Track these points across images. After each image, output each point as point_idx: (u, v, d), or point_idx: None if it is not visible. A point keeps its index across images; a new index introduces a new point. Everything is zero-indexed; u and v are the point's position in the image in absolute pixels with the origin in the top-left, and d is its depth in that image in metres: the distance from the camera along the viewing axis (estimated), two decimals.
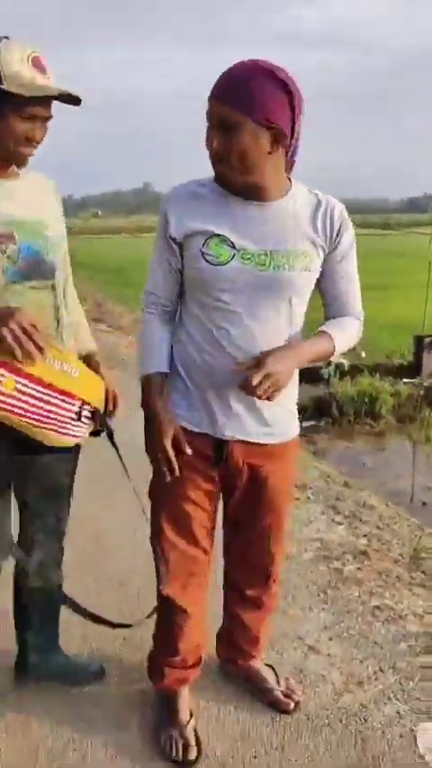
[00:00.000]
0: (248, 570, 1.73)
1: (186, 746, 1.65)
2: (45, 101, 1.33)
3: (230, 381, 1.40)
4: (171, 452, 1.46)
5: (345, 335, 1.50)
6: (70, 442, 1.46)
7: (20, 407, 1.29)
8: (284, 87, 1.25)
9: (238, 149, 1.27)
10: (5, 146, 1.35)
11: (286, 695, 1.82)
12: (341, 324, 1.51)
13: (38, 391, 1.31)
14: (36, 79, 1.29)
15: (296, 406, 1.60)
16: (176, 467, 1.48)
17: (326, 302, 1.55)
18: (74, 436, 1.45)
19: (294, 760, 1.67)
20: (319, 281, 1.48)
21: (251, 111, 1.24)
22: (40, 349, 1.25)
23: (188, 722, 1.71)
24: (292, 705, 1.80)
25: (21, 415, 1.30)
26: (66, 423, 1.40)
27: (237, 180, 1.34)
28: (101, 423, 1.49)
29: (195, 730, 1.70)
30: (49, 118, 1.37)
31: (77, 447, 1.58)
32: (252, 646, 1.84)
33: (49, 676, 1.84)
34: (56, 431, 1.39)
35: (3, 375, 1.24)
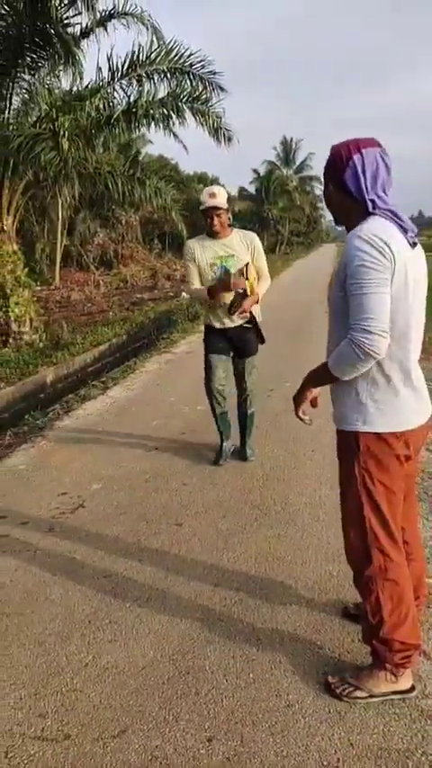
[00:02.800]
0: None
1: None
2: (209, 209, 3.71)
3: None
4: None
5: (333, 358, 1.83)
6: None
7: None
8: (330, 157, 1.87)
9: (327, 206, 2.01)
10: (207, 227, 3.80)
11: (336, 684, 2.02)
12: (338, 349, 1.81)
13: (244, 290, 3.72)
14: (205, 202, 3.71)
15: (355, 404, 1.88)
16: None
17: None
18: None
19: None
20: None
21: (325, 179, 1.95)
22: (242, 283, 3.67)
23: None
24: (329, 683, 2.03)
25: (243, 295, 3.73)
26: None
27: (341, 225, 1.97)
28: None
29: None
30: (218, 214, 3.71)
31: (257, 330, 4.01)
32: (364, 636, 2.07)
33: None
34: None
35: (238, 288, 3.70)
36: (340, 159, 1.82)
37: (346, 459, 1.96)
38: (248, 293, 3.69)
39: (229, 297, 3.73)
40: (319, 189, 59.59)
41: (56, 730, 1.94)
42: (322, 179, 1.96)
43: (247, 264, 3.70)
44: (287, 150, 52.08)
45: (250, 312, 3.81)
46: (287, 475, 3.91)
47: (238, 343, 3.98)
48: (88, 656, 2.28)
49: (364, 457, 1.88)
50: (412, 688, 1.99)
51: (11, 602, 2.67)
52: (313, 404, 2.10)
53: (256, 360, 4.08)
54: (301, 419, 2.10)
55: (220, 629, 2.40)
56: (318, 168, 53.50)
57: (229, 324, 3.89)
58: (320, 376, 1.93)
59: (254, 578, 2.75)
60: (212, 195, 3.70)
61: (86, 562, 2.97)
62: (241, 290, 3.67)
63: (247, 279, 3.65)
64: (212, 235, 3.80)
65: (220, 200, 3.69)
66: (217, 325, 3.95)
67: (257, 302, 3.83)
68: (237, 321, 3.85)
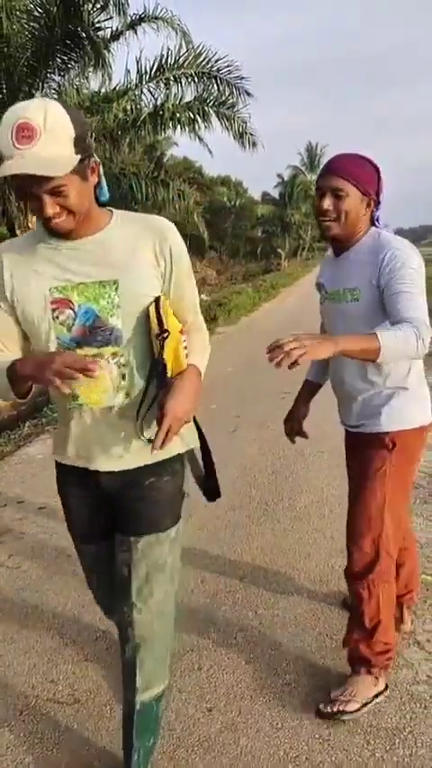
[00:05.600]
0: (348, 527, 2.02)
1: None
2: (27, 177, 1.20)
3: (337, 381, 2.04)
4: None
5: (390, 336, 1.52)
6: None
7: None
8: (376, 169, 1.83)
9: (346, 210, 1.80)
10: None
11: (332, 700, 1.95)
12: (392, 328, 1.59)
13: None
14: (6, 158, 1.20)
15: (400, 403, 1.88)
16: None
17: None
18: None
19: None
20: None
21: (357, 184, 1.79)
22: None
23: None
24: (320, 710, 1.94)
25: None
26: None
27: (336, 235, 1.85)
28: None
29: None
30: (56, 189, 1.24)
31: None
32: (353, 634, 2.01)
33: None
34: None
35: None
36: (378, 172, 1.84)
37: (374, 462, 1.91)
38: (169, 374, 1.43)
39: (100, 391, 1.43)
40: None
41: (66, 695, 2.08)
42: (357, 188, 1.78)
43: (157, 300, 1.41)
44: (312, 155, 52.15)
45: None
46: (295, 474, 4.02)
47: (124, 503, 1.57)
48: (99, 631, 2.41)
49: (398, 455, 1.88)
50: (386, 687, 2.02)
51: (28, 578, 2.82)
52: (304, 435, 2.25)
53: (167, 545, 1.58)
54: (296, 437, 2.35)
55: (224, 612, 2.52)
56: None
57: (103, 463, 1.51)
58: (360, 344, 1.51)
59: (258, 568, 2.87)
60: (25, 134, 1.19)
61: None
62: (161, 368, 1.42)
63: (162, 335, 1.39)
64: (58, 232, 1.36)
65: (45, 149, 1.20)
66: (80, 463, 1.55)
67: (198, 394, 1.47)
68: (140, 457, 1.50)
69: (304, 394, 2.34)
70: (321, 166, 1.89)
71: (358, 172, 1.79)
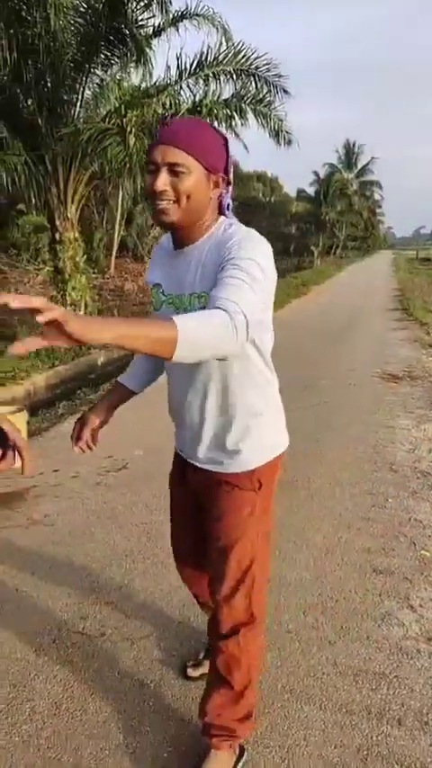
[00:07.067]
0: (213, 584, 1.69)
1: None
2: None
3: (177, 408, 1.64)
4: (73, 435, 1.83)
5: (194, 322, 1.12)
6: None
7: None
8: (223, 138, 1.44)
9: (188, 191, 1.36)
10: None
11: None
12: (198, 313, 1.22)
13: None
14: None
15: (258, 442, 1.59)
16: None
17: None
18: None
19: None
20: None
21: (201, 157, 1.36)
22: None
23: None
24: None
25: None
26: None
27: (176, 222, 1.40)
28: None
29: None
30: None
31: None
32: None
33: None
34: None
35: None
36: (225, 144, 1.43)
37: (241, 508, 1.60)
38: None
39: None
40: (378, 194, 59.06)
41: (94, 629, 2.37)
42: (200, 163, 1.36)
43: None
44: (349, 153, 51.85)
45: None
46: (311, 459, 4.26)
47: None
48: (124, 581, 2.70)
49: (263, 493, 1.62)
50: (243, 750, 1.79)
51: (60, 534, 3.13)
52: (94, 439, 1.82)
53: None
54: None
55: None
56: (380, 173, 52.97)
57: None
58: (147, 330, 1.07)
59: (271, 538, 3.12)
60: None
61: (127, 511, 3.41)
62: None
63: None
64: None
65: None
66: None
67: None
68: None
69: (109, 399, 1.81)
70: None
71: (201, 142, 1.37)
